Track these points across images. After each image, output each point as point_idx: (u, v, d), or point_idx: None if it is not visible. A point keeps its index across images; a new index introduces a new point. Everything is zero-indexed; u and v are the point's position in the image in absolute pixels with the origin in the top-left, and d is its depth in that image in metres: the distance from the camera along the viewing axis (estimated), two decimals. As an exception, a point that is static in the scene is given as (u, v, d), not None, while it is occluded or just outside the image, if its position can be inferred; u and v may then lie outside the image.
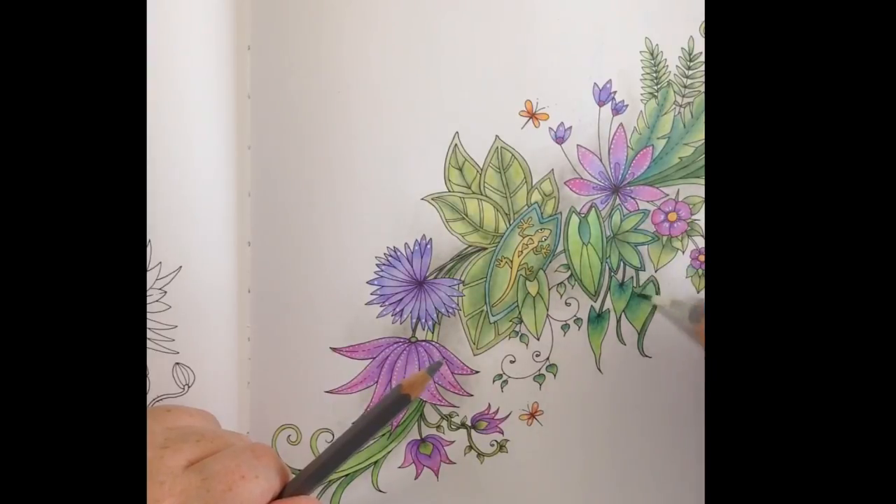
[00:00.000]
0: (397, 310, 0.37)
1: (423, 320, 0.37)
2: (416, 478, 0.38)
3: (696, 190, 0.38)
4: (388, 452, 0.38)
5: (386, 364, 0.37)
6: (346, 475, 0.38)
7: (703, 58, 0.37)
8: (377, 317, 0.36)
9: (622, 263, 0.38)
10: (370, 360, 0.37)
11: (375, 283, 0.36)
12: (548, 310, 0.38)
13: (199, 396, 0.35)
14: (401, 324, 0.37)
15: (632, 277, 0.38)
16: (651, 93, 0.37)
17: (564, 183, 0.37)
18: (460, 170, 0.36)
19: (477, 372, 0.38)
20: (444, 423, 0.38)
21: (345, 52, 0.34)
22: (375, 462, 0.38)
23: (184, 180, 0.34)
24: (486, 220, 0.37)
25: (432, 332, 0.37)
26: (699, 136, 0.37)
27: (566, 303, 0.38)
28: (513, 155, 0.36)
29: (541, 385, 0.38)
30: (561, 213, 0.37)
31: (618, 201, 0.38)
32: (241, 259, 0.36)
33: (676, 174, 0.38)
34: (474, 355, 0.38)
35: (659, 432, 0.39)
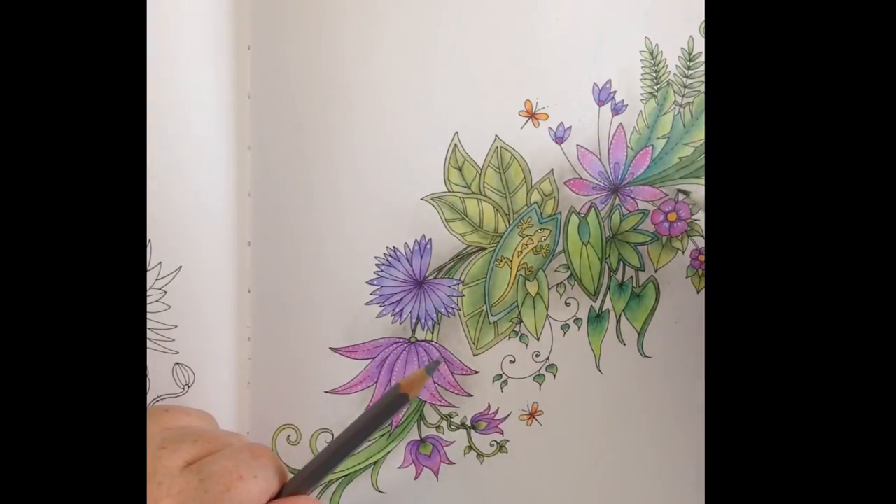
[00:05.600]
0: (397, 310, 0.37)
1: (423, 320, 0.37)
2: (415, 478, 0.38)
3: (695, 190, 0.38)
4: (388, 453, 0.38)
5: (386, 364, 0.37)
6: (346, 475, 0.38)
7: (703, 58, 0.37)
8: (377, 317, 0.36)
9: (622, 263, 0.38)
10: (370, 361, 0.37)
11: (375, 283, 0.36)
12: (547, 310, 0.38)
13: (198, 396, 0.35)
14: (400, 324, 0.37)
15: (631, 277, 0.38)
16: (651, 93, 0.37)
17: (564, 183, 0.37)
18: (460, 170, 0.36)
19: (477, 372, 0.38)
20: (444, 424, 0.38)
21: (345, 52, 0.34)
22: (375, 462, 0.38)
23: (184, 180, 0.34)
24: (486, 220, 0.37)
25: (432, 333, 0.37)
26: (699, 136, 0.37)
27: (566, 303, 0.38)
28: (512, 155, 0.36)
29: (540, 385, 0.38)
30: (560, 213, 0.37)
31: (617, 201, 0.38)
32: (241, 259, 0.36)
33: (676, 174, 0.38)
34: (474, 355, 0.37)
35: (659, 432, 0.39)
